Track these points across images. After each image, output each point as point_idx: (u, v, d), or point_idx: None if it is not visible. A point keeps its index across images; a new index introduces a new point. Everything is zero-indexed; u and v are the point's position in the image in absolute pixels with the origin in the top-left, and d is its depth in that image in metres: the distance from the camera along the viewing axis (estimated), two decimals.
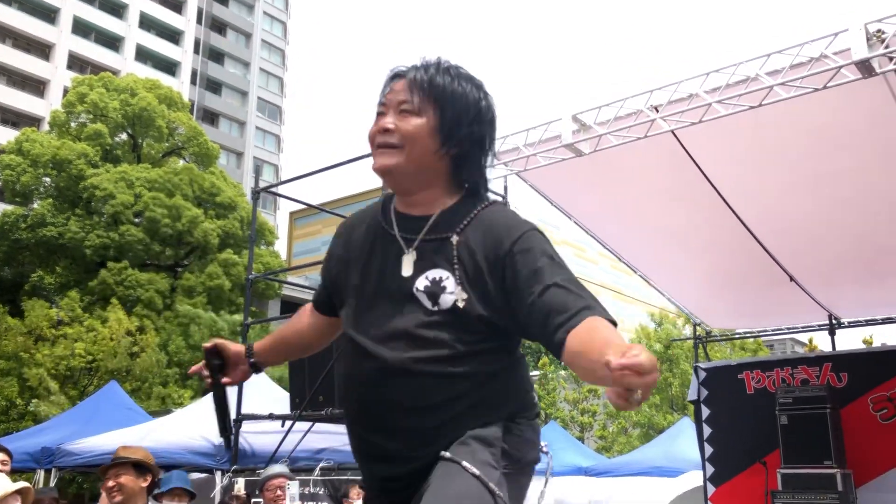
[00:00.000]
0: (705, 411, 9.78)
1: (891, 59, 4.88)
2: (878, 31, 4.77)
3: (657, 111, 5.91)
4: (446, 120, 1.95)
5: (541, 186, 8.01)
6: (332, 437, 7.83)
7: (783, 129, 6.35)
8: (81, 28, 47.93)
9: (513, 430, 1.96)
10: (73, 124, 31.32)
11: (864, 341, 16.14)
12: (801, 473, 7.98)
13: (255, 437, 8.43)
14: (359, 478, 6.02)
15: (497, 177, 7.33)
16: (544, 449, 2.11)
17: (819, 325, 9.69)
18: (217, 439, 8.16)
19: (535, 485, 2.11)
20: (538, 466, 2.07)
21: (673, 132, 6.48)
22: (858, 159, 6.58)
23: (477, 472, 1.79)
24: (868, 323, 9.57)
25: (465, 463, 1.81)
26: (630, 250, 9.20)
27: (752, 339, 21.24)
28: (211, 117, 54.95)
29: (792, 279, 8.62)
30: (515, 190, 8.90)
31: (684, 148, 6.58)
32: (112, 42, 49.70)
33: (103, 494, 4.09)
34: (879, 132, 6.18)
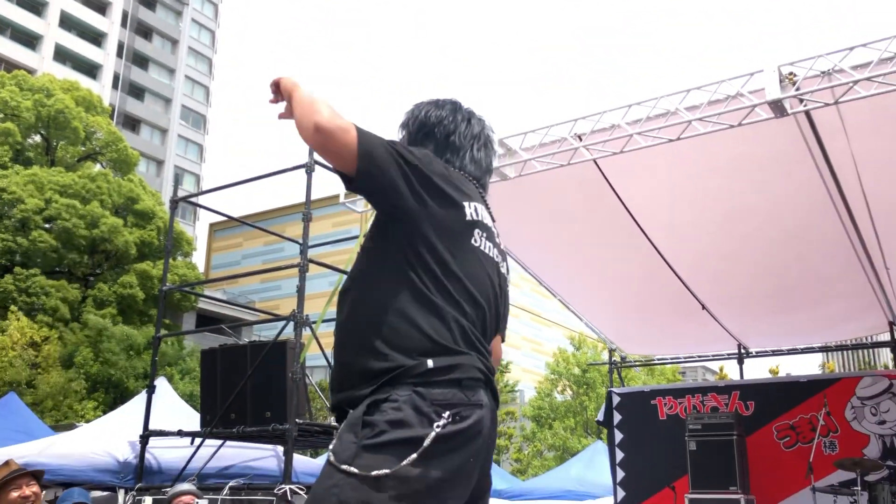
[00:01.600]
0: (618, 435, 9.96)
1: (801, 100, 5.10)
2: (791, 73, 4.99)
3: (580, 140, 6.02)
4: None
5: None
6: (243, 456, 7.62)
7: (699, 163, 6.56)
8: None
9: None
10: None
11: (771, 371, 16.76)
12: (707, 499, 8.19)
13: (162, 453, 8.13)
14: (270, 498, 5.86)
15: None
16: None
17: (729, 354, 10.02)
18: (122, 455, 7.85)
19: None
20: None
21: (595, 161, 6.61)
22: (768, 196, 6.85)
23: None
24: (774, 353, 9.94)
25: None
26: (549, 275, 9.32)
27: (668, 366, 21.84)
28: (132, 123, 53.34)
29: (704, 308, 8.89)
30: None
31: (605, 177, 6.72)
32: (29, 40, 47.82)
33: None
34: (789, 171, 6.45)
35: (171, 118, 55.96)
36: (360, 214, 7.26)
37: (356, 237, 8.11)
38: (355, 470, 1.77)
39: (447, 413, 1.84)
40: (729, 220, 7.29)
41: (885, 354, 10.01)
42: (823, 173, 6.30)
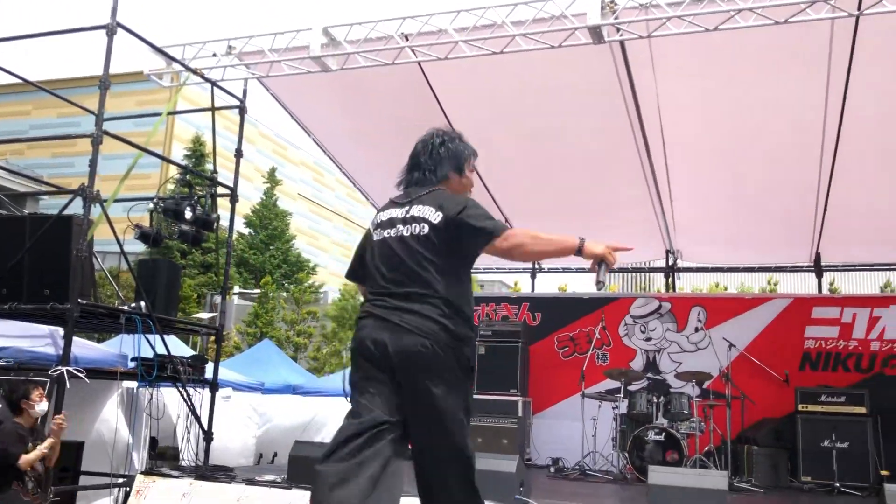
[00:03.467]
0: None
1: (618, 29, 5.31)
2: (612, 1, 5.16)
3: (407, 40, 5.93)
4: None
5: (283, 97, 7.75)
6: (15, 334, 7.05)
7: (519, 79, 6.71)
8: None
9: None
10: None
11: (560, 288, 17.93)
12: (489, 399, 8.75)
13: None
14: (42, 379, 5.52)
15: (236, 79, 6.94)
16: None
17: (523, 269, 10.58)
18: None
19: None
20: None
21: (420, 64, 6.57)
22: (576, 120, 7.16)
23: None
24: (564, 270, 10.62)
25: None
26: (365, 178, 9.28)
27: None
28: None
29: (507, 222, 9.27)
30: (257, 98, 8.54)
31: (428, 81, 6.70)
32: None
33: None
34: (598, 98, 6.76)
35: None
36: (167, 93, 6.79)
37: (159, 114, 7.58)
38: None
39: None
40: (538, 139, 7.56)
41: (660, 279, 11.04)
42: (629, 105, 6.67)
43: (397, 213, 3.06)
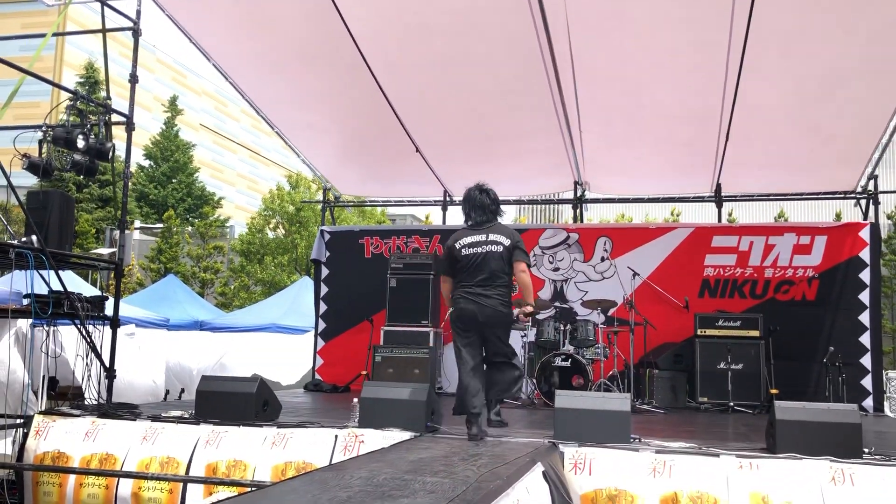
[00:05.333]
0: (325, 271, 10.21)
1: None
2: None
3: None
4: None
5: (180, 18, 7.32)
6: None
7: (433, 3, 6.54)
8: None
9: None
10: None
11: None
12: (400, 331, 8.79)
13: None
14: None
15: None
16: None
17: (435, 201, 10.53)
18: None
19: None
20: None
21: None
22: (487, 45, 7.05)
23: None
24: None
25: None
26: (271, 106, 8.94)
27: (378, 209, 22.55)
28: None
29: (417, 150, 9.16)
30: (153, 21, 8.03)
31: (334, 3, 6.44)
32: None
33: None
34: (507, 21, 6.64)
35: None
36: (53, 15, 6.29)
37: (43, 35, 7.04)
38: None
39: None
40: (448, 64, 7.42)
41: (569, 211, 11.21)
42: (539, 30, 6.59)
43: (480, 237, 5.16)
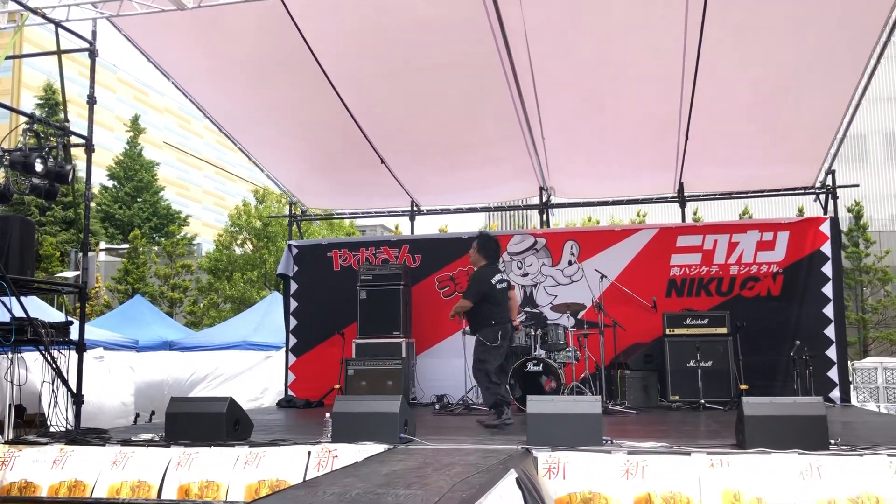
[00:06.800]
0: (294, 286, 10.15)
1: None
2: None
3: None
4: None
5: (137, 39, 7.26)
6: None
7: (391, 17, 6.56)
8: None
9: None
10: None
11: (441, 229, 18.06)
12: (372, 343, 8.76)
13: None
14: None
15: (83, 19, 6.43)
16: None
17: (403, 211, 10.53)
18: None
19: None
20: None
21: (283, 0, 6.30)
22: (449, 57, 7.09)
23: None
24: (443, 211, 10.65)
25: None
26: (233, 122, 8.89)
27: (346, 220, 22.46)
28: None
29: (383, 162, 9.16)
30: (112, 41, 7.95)
31: (291, 17, 6.44)
32: None
33: None
34: (468, 34, 6.69)
35: None
36: (8, 37, 6.23)
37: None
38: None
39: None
40: (409, 75, 7.45)
41: (536, 216, 11.27)
42: (498, 40, 6.65)
43: (502, 276, 6.69)
